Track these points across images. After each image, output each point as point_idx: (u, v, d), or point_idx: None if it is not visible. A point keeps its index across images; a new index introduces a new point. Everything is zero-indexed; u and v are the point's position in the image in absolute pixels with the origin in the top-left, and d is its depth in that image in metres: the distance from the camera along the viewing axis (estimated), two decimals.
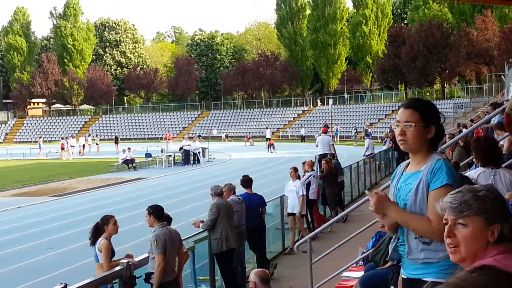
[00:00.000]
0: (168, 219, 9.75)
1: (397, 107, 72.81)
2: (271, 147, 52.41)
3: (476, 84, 70.68)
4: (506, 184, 6.06)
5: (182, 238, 9.89)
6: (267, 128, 68.29)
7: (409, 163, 3.80)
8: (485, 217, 2.52)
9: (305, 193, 15.01)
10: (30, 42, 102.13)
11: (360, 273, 9.96)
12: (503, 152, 8.28)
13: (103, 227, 8.94)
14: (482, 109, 44.99)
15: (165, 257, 8.59)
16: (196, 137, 49.23)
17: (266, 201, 13.67)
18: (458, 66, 67.93)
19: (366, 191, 3.74)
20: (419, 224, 3.51)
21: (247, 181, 13.18)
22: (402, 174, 3.80)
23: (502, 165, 6.68)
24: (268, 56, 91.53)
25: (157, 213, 8.94)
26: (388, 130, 44.89)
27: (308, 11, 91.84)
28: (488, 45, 63.84)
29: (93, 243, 8.90)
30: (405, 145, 3.65)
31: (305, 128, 72.86)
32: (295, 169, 15.33)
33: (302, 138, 68.71)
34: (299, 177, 15.34)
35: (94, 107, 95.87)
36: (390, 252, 3.96)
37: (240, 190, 13.10)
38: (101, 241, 8.81)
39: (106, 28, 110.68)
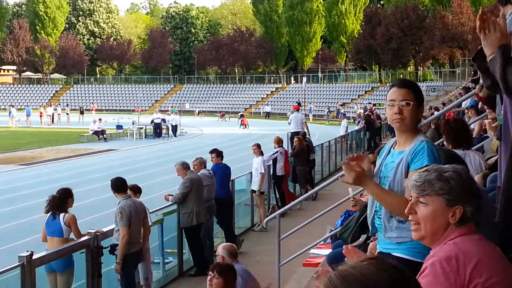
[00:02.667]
0: (137, 189, 9.70)
1: (370, 88, 73.27)
2: (244, 126, 52.50)
3: (449, 67, 71.09)
4: (475, 166, 6.08)
5: (151, 211, 9.86)
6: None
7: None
8: (446, 198, 2.54)
9: (263, 171, 14.74)
10: (1, 7, 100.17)
11: (328, 251, 9.98)
12: (474, 136, 8.32)
13: (64, 201, 8.77)
14: (454, 93, 45.36)
15: (129, 230, 8.54)
16: (173, 112, 49.02)
17: (236, 176, 13.65)
18: (432, 49, 68.20)
19: (342, 163, 3.71)
20: (394, 202, 3.52)
21: (218, 153, 13.14)
22: (389, 151, 3.80)
23: (472, 148, 6.70)
24: (243, 31, 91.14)
25: (116, 186, 8.86)
26: (363, 111, 45.13)
27: None
28: (462, 29, 64.16)
29: (54, 216, 8.64)
30: (402, 123, 3.62)
31: (270, 105, 73.75)
32: (258, 146, 15.20)
33: (267, 115, 69.15)
34: (262, 154, 15.23)
35: (65, 77, 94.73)
36: (370, 226, 3.94)
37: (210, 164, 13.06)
38: (66, 215, 8.64)
39: None
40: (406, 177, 3.50)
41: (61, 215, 8.58)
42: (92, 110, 68.49)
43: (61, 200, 8.70)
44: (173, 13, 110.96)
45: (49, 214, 8.63)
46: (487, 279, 2.35)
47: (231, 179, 13.45)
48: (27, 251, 6.95)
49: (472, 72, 29.19)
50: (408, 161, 3.55)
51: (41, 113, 54.74)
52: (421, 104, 3.65)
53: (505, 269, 2.44)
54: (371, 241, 5.96)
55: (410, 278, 1.75)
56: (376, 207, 3.80)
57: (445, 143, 6.60)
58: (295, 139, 18.85)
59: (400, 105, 3.60)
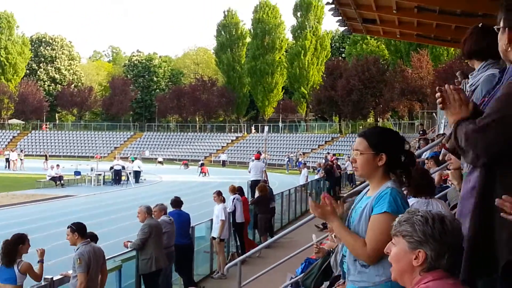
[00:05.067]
0: (94, 237, 9.53)
1: (330, 138, 74.07)
2: (204, 174, 52.43)
3: (408, 119, 72.30)
4: None
5: (109, 257, 9.69)
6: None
7: None
8: (407, 240, 2.58)
9: (224, 218, 14.71)
10: None
11: None
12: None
13: (18, 246, 8.54)
14: (413, 144, 45.92)
15: (87, 276, 8.37)
16: (132, 160, 48.71)
17: (197, 223, 13.56)
18: (392, 102, 69.38)
19: (310, 198, 3.78)
20: (354, 243, 3.56)
21: (178, 202, 13.13)
22: (362, 197, 3.84)
23: (435, 197, 6.74)
24: (206, 81, 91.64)
25: (81, 230, 8.73)
26: (323, 160, 45.39)
27: (248, 39, 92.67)
28: (422, 83, 65.44)
29: (10, 264, 8.37)
30: (356, 172, 3.76)
31: (227, 154, 74.20)
32: (219, 193, 15.24)
33: (223, 163, 69.38)
34: (223, 201, 15.22)
35: (24, 122, 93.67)
36: (340, 268, 3.95)
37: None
38: (22, 262, 8.43)
39: (42, 43, 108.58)
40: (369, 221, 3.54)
41: (17, 261, 8.36)
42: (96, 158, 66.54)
43: (12, 247, 8.46)
44: (135, 61, 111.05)
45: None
46: None
47: (191, 226, 13.37)
48: None
49: (421, 132, 29.96)
50: (372, 206, 3.57)
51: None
52: (381, 152, 3.62)
53: None
54: (336, 287, 5.92)
55: None
56: (343, 252, 3.82)
57: (405, 191, 6.62)
58: (258, 186, 18.92)
59: (354, 154, 3.71)
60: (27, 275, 8.41)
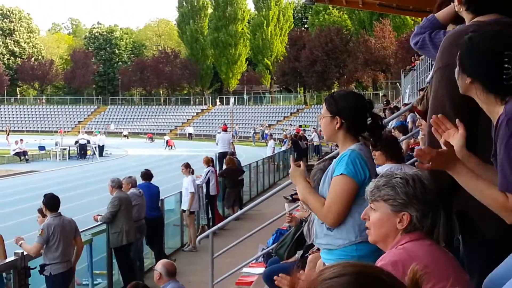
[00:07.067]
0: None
1: (295, 110, 74.23)
2: (170, 147, 52.30)
3: (372, 90, 72.73)
4: None
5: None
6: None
7: None
8: (391, 204, 2.58)
9: (194, 190, 14.63)
10: None
11: (260, 269, 10.00)
12: None
13: None
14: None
15: (41, 248, 8.30)
16: (97, 134, 48.23)
17: (166, 196, 13.54)
18: (356, 72, 69.69)
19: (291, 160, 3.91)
20: (314, 203, 3.62)
21: (148, 175, 13.06)
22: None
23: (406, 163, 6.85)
24: (168, 53, 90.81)
25: (49, 203, 8.64)
26: (289, 131, 45.58)
27: (210, 10, 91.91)
28: (385, 53, 65.77)
29: None
30: (323, 134, 3.76)
31: (193, 126, 73.81)
32: (186, 165, 15.06)
33: (189, 136, 69.26)
34: (192, 173, 15.14)
35: None
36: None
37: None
38: None
39: (0, 16, 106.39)
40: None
41: None
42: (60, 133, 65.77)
43: None
44: (96, 34, 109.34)
45: None
46: (433, 285, 2.34)
47: (160, 198, 13.34)
48: None
49: (385, 102, 30.23)
50: (334, 168, 3.61)
51: None
52: (336, 116, 3.62)
53: (455, 276, 2.46)
54: (310, 254, 5.98)
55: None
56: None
57: (375, 159, 6.69)
58: (226, 159, 18.95)
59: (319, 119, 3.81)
60: None
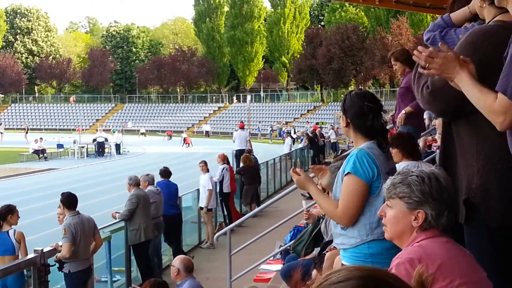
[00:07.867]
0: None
1: (312, 107, 74.08)
2: (187, 145, 52.41)
3: (389, 87, 72.38)
4: None
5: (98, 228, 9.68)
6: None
7: None
8: (406, 201, 2.59)
9: (211, 187, 14.74)
10: None
11: (277, 266, 10.04)
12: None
13: (7, 216, 8.56)
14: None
15: (72, 246, 8.36)
16: (114, 132, 48.52)
17: (184, 193, 13.60)
18: (373, 69, 69.40)
19: (291, 170, 3.94)
20: (326, 205, 3.71)
21: (166, 172, 13.11)
22: None
23: (424, 161, 6.84)
24: (185, 51, 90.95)
25: (67, 202, 8.70)
26: (306, 129, 45.58)
27: (226, 8, 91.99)
28: None
29: None
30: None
31: (210, 124, 74.02)
32: (205, 163, 15.18)
33: (206, 134, 69.41)
34: (208, 170, 15.17)
35: (3, 95, 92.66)
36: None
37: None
38: (17, 232, 8.46)
39: (18, 15, 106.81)
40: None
41: (11, 231, 8.38)
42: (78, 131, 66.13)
43: (1, 216, 8.48)
44: (113, 32, 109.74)
45: None
46: (450, 282, 2.37)
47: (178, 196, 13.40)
48: None
49: None
50: (344, 167, 3.67)
51: None
52: (345, 115, 3.75)
53: (471, 272, 2.47)
54: (327, 251, 5.99)
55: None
56: None
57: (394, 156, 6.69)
58: (242, 157, 18.93)
59: None
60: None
